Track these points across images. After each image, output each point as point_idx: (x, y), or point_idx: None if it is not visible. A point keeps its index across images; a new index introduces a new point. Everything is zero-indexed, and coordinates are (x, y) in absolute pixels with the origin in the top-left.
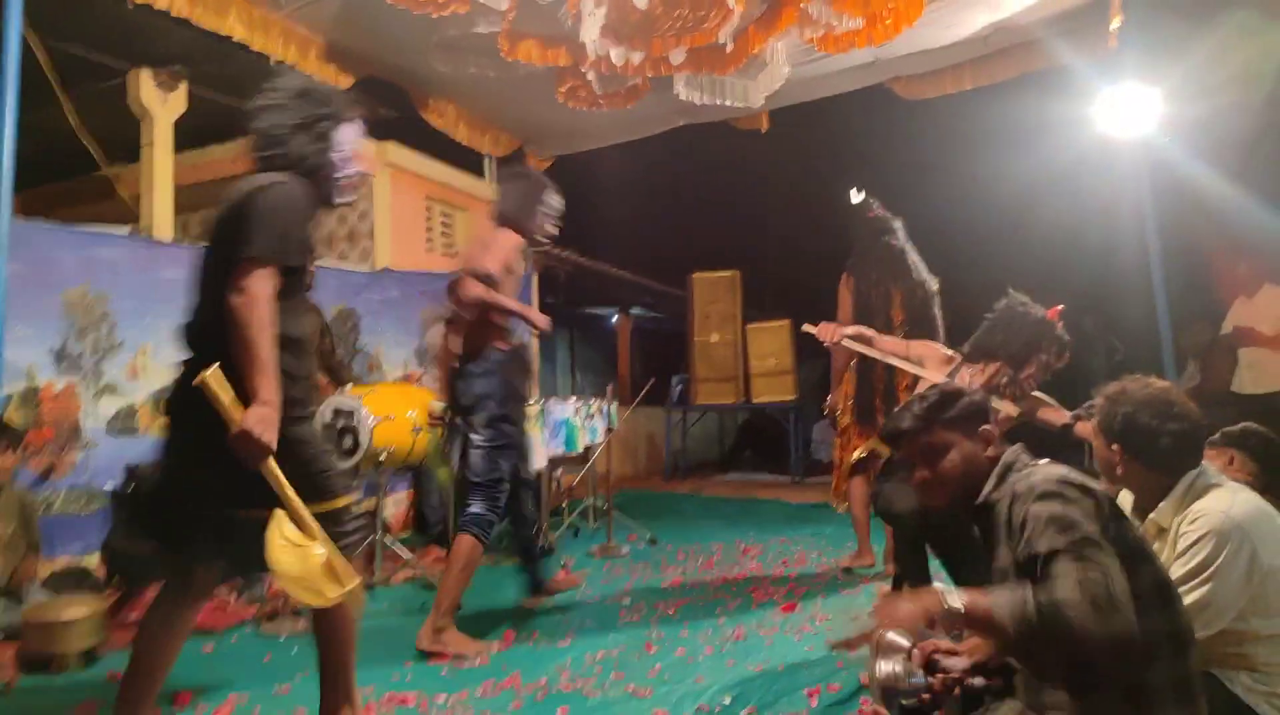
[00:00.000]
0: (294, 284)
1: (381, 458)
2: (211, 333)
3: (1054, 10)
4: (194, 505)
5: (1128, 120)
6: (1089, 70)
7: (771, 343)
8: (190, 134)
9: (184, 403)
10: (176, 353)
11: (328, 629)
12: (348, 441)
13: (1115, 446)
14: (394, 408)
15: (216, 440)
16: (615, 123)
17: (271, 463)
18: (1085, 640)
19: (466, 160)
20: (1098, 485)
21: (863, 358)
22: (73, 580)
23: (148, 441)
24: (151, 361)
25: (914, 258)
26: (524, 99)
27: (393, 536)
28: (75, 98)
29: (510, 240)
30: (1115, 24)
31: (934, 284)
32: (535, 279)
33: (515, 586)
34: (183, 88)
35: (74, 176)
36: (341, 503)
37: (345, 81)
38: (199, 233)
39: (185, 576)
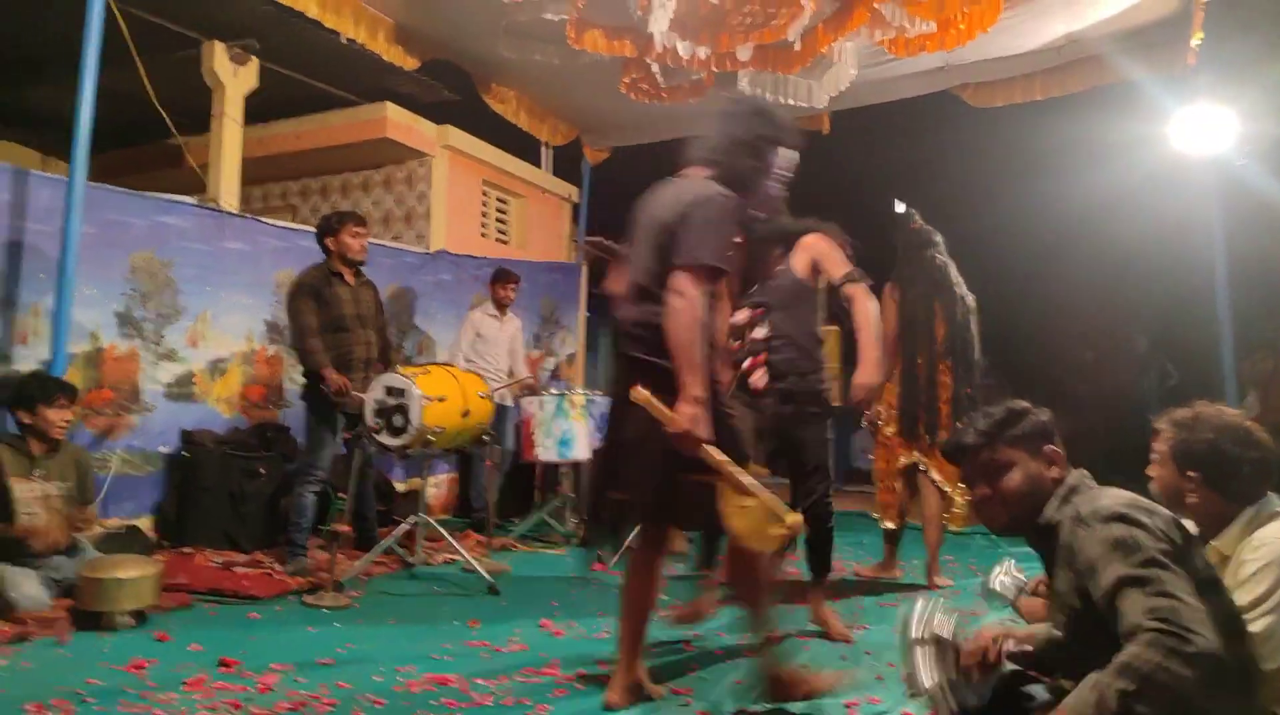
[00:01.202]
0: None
1: (431, 437)
2: (642, 327)
3: (1132, 24)
4: (651, 471)
5: (1202, 139)
6: (1163, 86)
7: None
8: (258, 108)
9: (625, 396)
10: (240, 322)
11: (749, 577)
12: (398, 420)
13: (1193, 473)
14: (445, 389)
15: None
16: (676, 116)
17: (706, 447)
18: (1181, 689)
19: (524, 148)
20: (1166, 510)
21: (906, 369)
22: (124, 540)
23: (204, 408)
24: (210, 329)
25: (955, 273)
26: (585, 89)
27: (435, 518)
28: (148, 65)
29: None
30: (1196, 41)
31: (971, 300)
32: (584, 270)
33: (554, 572)
34: (254, 62)
35: (141, 143)
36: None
37: (410, 63)
38: (261, 207)
39: (655, 531)
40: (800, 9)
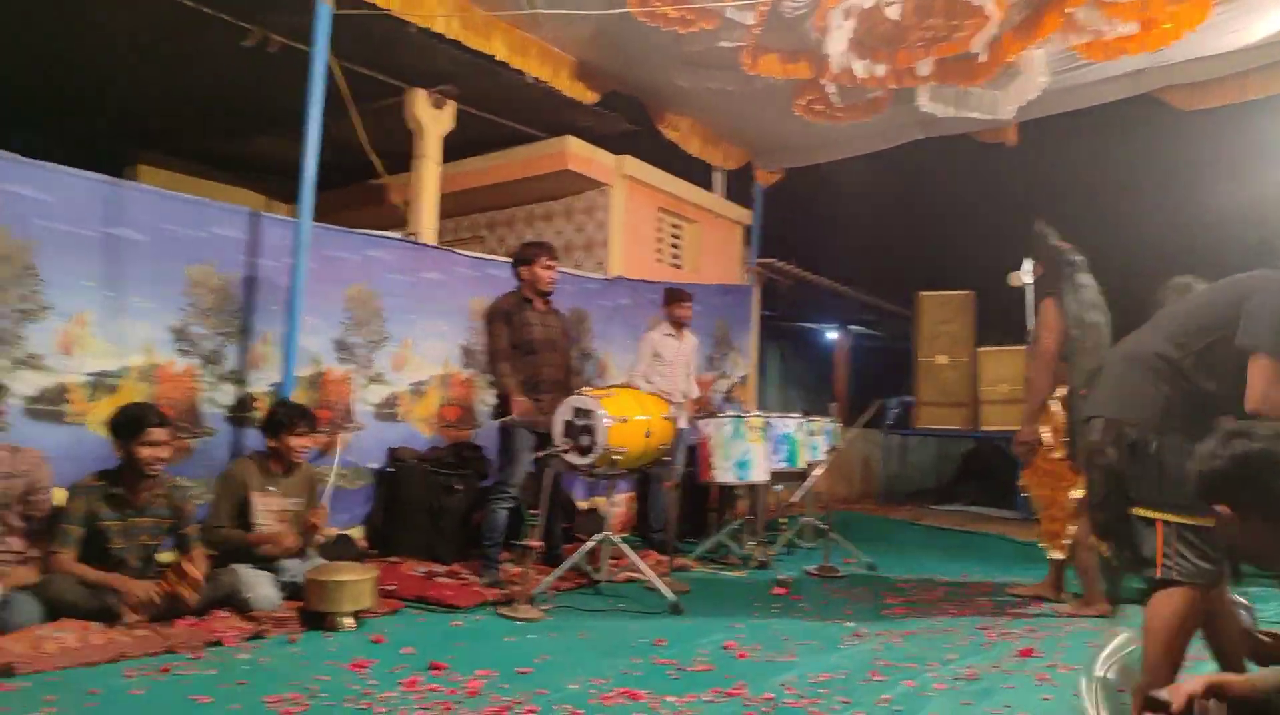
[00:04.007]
0: None
1: (616, 457)
2: None
3: None
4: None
5: None
6: None
7: (1006, 369)
8: (452, 147)
9: None
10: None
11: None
12: (585, 439)
13: None
14: (628, 410)
15: None
16: (849, 136)
17: None
18: None
19: (697, 173)
20: None
21: (1072, 392)
22: (338, 548)
23: (406, 427)
24: (412, 354)
25: (1097, 294)
26: (757, 113)
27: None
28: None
29: None
30: None
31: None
32: (756, 292)
33: (734, 593)
34: (451, 105)
35: (348, 184)
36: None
37: (590, 97)
38: (452, 239)
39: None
40: (985, 19)
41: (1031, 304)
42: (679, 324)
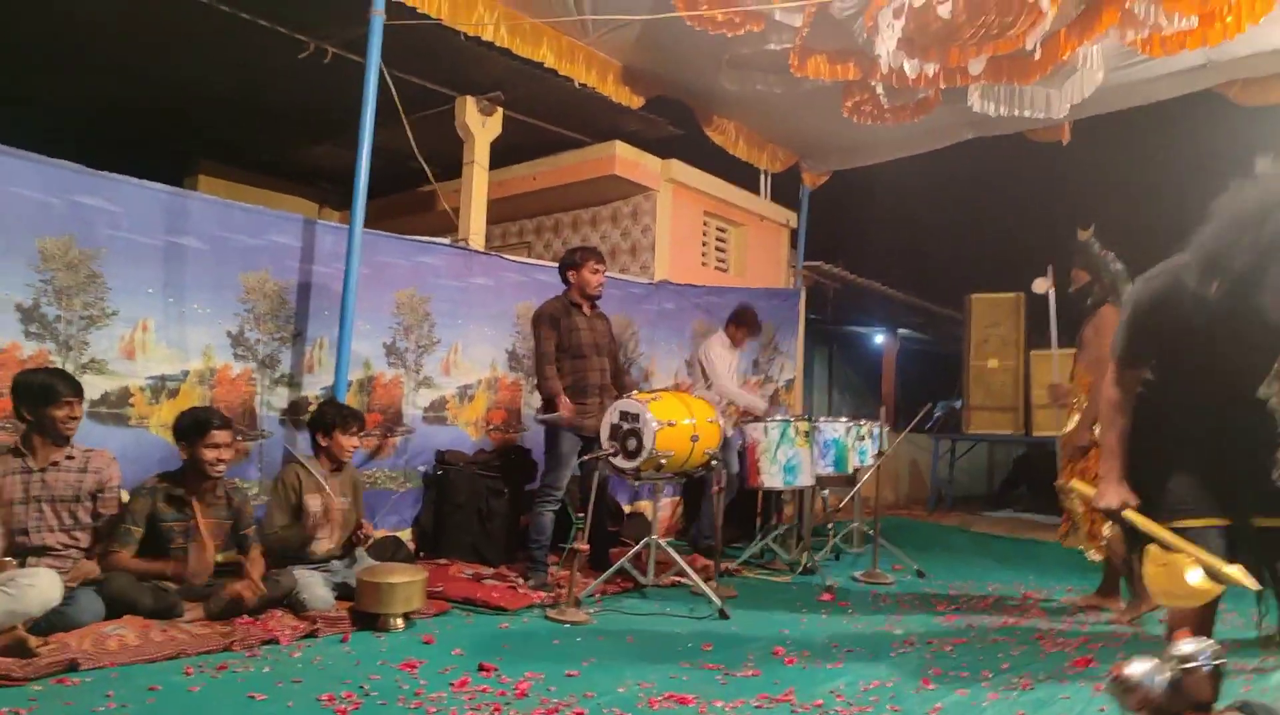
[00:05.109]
0: None
1: (663, 461)
2: None
3: None
4: None
5: None
6: None
7: (1058, 372)
8: (499, 153)
9: None
10: (485, 352)
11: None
12: (631, 443)
13: None
14: (675, 415)
15: None
16: (898, 137)
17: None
18: None
19: (743, 176)
20: None
21: None
22: (389, 549)
23: (454, 431)
24: (461, 359)
25: None
26: (804, 114)
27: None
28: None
29: None
30: None
31: None
32: (803, 295)
33: (781, 599)
34: (499, 111)
35: (398, 191)
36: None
37: (636, 102)
38: (499, 244)
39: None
40: (1041, 15)
41: (1054, 309)
42: (738, 343)
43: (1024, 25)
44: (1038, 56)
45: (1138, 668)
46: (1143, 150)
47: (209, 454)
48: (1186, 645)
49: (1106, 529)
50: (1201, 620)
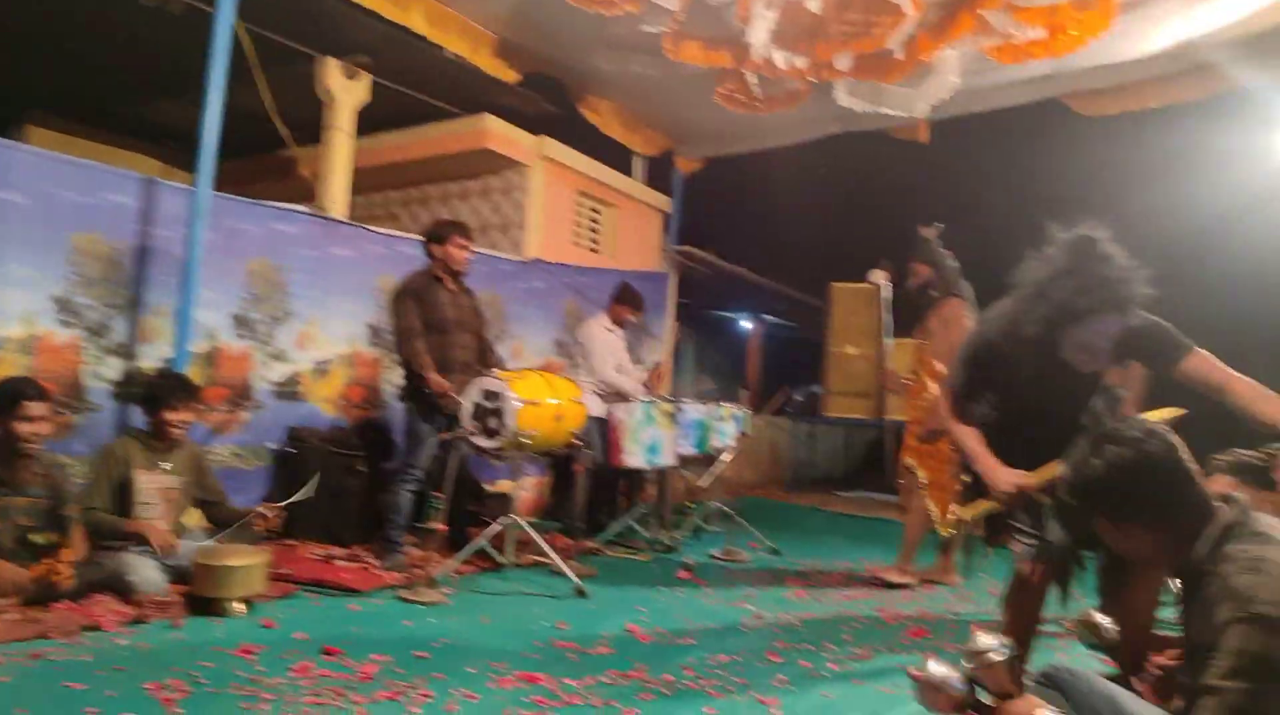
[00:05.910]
0: None
1: (524, 441)
2: None
3: (1249, 31)
4: None
5: None
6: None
7: (891, 360)
8: (366, 120)
9: None
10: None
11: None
12: (493, 422)
13: None
14: (538, 393)
15: None
16: (769, 127)
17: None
18: None
19: (618, 158)
20: None
21: None
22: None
23: (308, 407)
24: (319, 332)
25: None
26: (679, 100)
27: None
28: (265, 80)
29: None
30: None
31: None
32: (673, 279)
33: (640, 578)
34: (365, 77)
35: (254, 154)
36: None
37: (511, 76)
38: (364, 215)
39: None
40: (902, 16)
41: (886, 303)
42: (621, 323)
43: (886, 25)
44: (899, 57)
45: (935, 669)
46: (997, 153)
47: (22, 428)
48: (981, 639)
49: (957, 508)
50: (1031, 605)
